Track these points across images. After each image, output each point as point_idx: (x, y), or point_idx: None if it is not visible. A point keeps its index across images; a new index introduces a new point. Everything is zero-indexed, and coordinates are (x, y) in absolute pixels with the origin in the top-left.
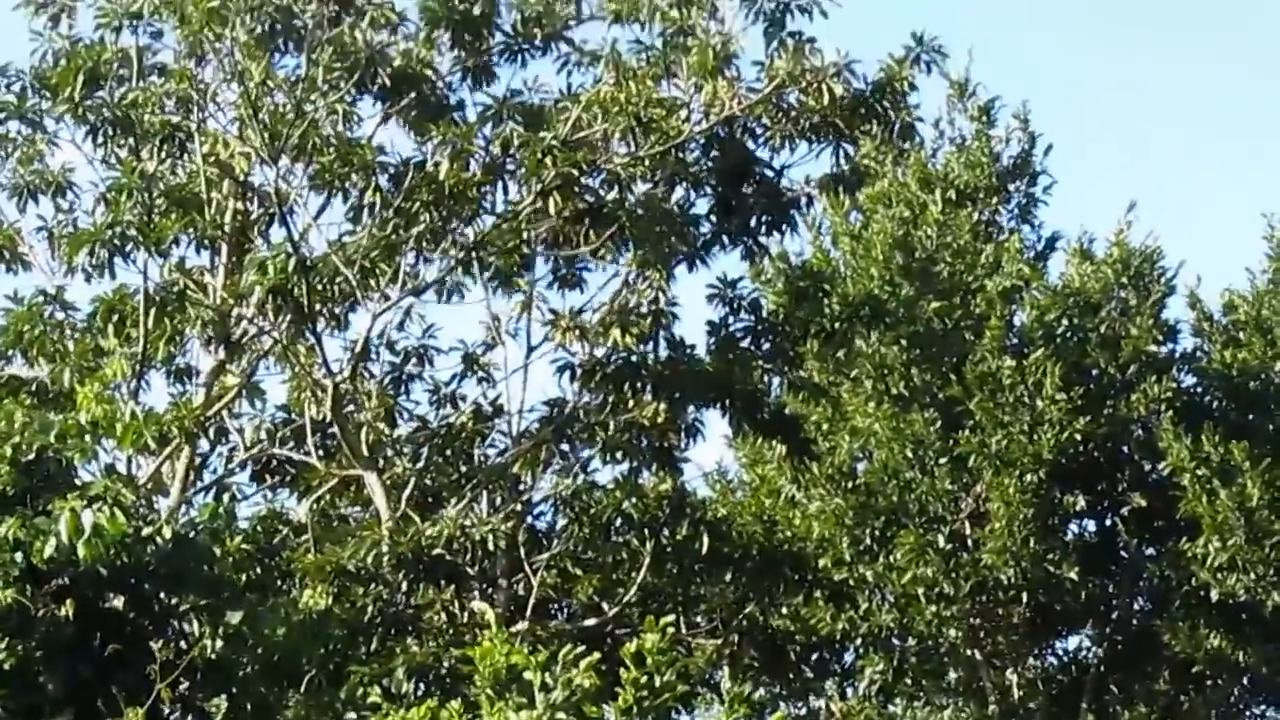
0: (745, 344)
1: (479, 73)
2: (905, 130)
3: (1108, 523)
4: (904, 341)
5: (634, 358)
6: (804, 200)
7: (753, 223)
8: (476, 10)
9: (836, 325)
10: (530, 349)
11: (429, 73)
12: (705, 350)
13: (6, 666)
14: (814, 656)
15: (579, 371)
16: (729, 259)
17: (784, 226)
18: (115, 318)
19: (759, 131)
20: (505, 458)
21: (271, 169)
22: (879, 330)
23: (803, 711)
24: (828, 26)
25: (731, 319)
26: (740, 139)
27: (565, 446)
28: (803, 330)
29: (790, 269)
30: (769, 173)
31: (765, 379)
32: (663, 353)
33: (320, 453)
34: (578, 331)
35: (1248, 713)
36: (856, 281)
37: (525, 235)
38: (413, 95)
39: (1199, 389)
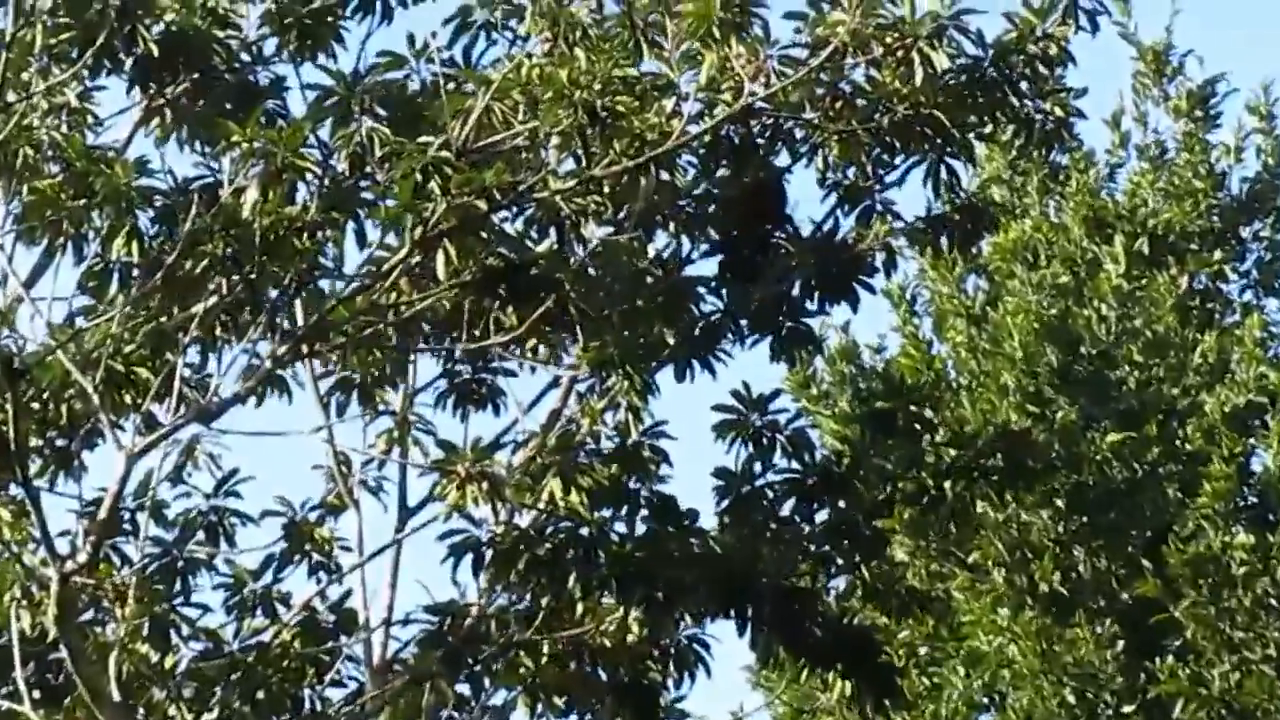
0: (785, 512)
1: (312, 37)
2: (1055, 132)
3: None
4: (1060, 502)
5: (585, 530)
6: (878, 255)
7: (794, 293)
8: None
9: (946, 485)
10: (406, 511)
11: (225, 36)
12: (717, 519)
13: None
14: None
15: (488, 554)
16: (753, 357)
17: (846, 299)
18: None
19: (798, 134)
20: (361, 705)
21: None
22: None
23: None
24: None
25: (759, 466)
26: (768, 145)
27: (465, 687)
28: (887, 490)
29: (862, 374)
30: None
31: (822, 572)
32: (639, 528)
33: (35, 695)
34: (486, 483)
35: None
36: (979, 396)
37: (397, 314)
38: (197, 75)
39: None
